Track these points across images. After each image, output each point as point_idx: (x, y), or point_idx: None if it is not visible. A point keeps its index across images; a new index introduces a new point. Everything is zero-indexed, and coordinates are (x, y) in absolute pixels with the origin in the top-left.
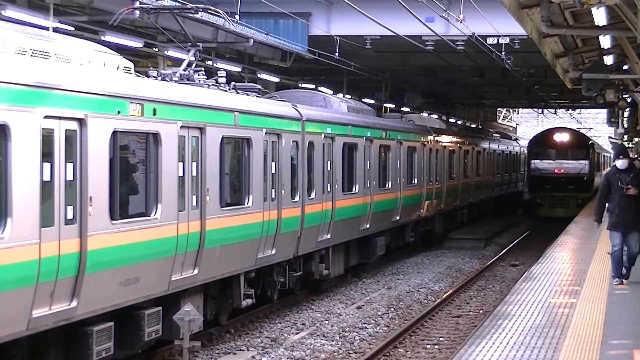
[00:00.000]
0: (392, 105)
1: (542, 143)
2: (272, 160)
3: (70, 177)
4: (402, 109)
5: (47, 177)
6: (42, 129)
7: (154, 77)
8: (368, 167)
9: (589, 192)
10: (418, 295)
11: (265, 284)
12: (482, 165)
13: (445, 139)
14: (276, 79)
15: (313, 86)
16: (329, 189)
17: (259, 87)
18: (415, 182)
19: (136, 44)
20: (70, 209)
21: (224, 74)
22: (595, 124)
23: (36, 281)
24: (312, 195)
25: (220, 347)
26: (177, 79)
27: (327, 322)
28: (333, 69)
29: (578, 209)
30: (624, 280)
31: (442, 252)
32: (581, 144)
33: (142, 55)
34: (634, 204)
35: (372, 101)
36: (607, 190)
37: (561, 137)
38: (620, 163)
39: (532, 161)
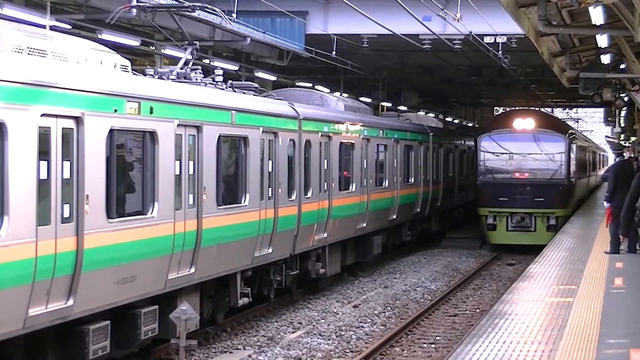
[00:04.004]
0: (389, 104)
1: (496, 133)
2: (269, 159)
3: (67, 176)
4: (399, 107)
5: (43, 176)
6: (39, 127)
7: (151, 75)
8: (365, 166)
9: (568, 207)
10: (415, 294)
11: (261, 282)
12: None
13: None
14: (273, 78)
15: (310, 85)
16: (325, 188)
17: (256, 85)
18: (412, 181)
19: (133, 42)
20: (66, 207)
21: (220, 72)
22: (592, 123)
23: (32, 280)
24: (309, 194)
25: (217, 346)
26: (174, 77)
27: (323, 321)
28: (330, 68)
29: (550, 234)
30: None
31: (438, 251)
32: (555, 135)
33: (139, 53)
34: None
35: (369, 100)
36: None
37: (524, 124)
38: None
39: (481, 160)
